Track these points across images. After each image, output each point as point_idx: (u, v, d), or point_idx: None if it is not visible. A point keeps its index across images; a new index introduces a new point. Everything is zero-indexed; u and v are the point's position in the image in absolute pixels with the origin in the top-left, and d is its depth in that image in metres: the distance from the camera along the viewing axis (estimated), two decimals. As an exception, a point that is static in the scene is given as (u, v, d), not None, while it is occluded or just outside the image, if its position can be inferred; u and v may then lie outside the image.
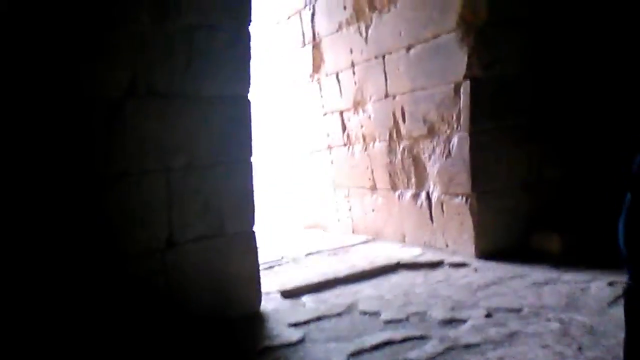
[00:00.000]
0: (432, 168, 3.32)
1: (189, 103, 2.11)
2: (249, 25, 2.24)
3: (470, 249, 3.11)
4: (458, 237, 3.21)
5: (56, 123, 1.88)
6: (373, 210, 4.03)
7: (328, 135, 4.40)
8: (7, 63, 1.72)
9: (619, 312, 1.65)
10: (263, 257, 2.69)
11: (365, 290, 2.69)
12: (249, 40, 2.23)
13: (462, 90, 3.05)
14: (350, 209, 4.28)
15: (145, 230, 2.05)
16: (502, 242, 3.10)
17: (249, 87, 2.22)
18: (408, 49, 3.49)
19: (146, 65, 1.99)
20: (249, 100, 2.23)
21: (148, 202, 2.05)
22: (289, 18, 4.75)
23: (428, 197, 3.43)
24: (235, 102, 2.20)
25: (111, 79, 1.92)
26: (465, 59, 3.02)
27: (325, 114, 4.43)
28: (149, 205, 2.06)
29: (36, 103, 1.77)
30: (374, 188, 3.98)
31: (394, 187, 3.76)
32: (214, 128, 2.15)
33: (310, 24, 4.46)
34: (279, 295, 2.62)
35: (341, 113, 4.28)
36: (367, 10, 3.88)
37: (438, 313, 2.25)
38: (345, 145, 4.26)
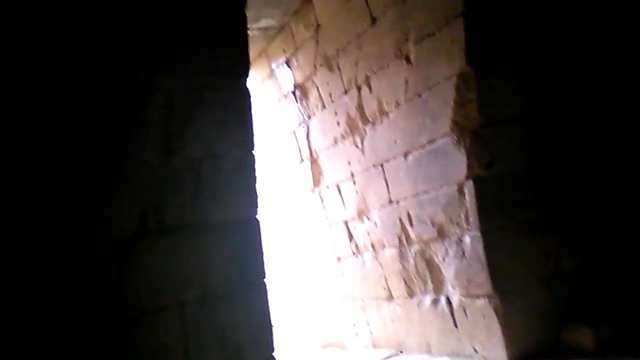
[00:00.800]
0: (448, 270, 3.21)
1: (198, 233, 2.07)
2: (253, 150, 2.25)
3: (502, 353, 2.95)
4: (486, 342, 3.05)
5: (70, 270, 1.83)
6: (392, 321, 3.85)
7: (335, 247, 4.30)
8: (23, 209, 1.72)
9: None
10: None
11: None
12: (254, 164, 2.24)
13: (466, 190, 3.02)
14: (367, 322, 4.10)
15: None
16: (532, 342, 2.95)
17: (257, 209, 2.20)
18: (405, 155, 3.51)
19: (156, 202, 1.97)
20: (258, 222, 2.20)
21: (163, 343, 1.94)
22: (284, 137, 4.82)
23: (448, 302, 3.30)
24: (244, 226, 2.17)
25: (122, 218, 1.88)
26: (465, 159, 3.02)
27: (330, 225, 4.36)
28: (164, 347, 1.94)
29: (51, 248, 1.75)
30: (390, 297, 3.83)
31: (410, 294, 3.62)
32: (225, 254, 2.10)
33: (306, 141, 4.51)
34: None
35: (346, 223, 4.21)
36: (360, 124, 3.93)
37: None
38: (354, 255, 4.14)
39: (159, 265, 1.95)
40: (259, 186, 2.27)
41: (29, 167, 1.82)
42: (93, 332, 1.81)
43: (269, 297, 2.18)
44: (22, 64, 1.85)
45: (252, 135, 2.22)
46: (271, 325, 2.15)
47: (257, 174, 2.21)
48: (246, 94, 2.21)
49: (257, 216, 2.19)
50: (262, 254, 2.18)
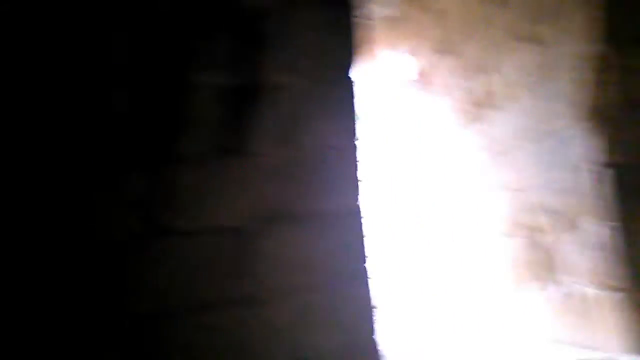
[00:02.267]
0: (582, 261, 3.16)
1: (311, 222, 2.16)
2: (357, 140, 2.30)
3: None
4: (621, 337, 2.94)
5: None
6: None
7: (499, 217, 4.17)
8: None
9: None
10: None
11: None
12: (357, 154, 2.29)
13: (602, 178, 2.99)
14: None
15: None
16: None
17: (359, 198, 2.24)
18: (536, 141, 3.47)
19: (271, 192, 2.10)
20: (360, 211, 2.24)
21: (285, 321, 2.06)
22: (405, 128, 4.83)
23: (582, 294, 3.20)
24: (349, 215, 2.22)
25: (239, 208, 2.02)
26: (602, 145, 2.99)
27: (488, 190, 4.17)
28: (285, 325, 2.07)
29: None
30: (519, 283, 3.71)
31: (541, 283, 3.52)
32: (332, 243, 2.17)
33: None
34: None
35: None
36: (487, 110, 3.84)
37: None
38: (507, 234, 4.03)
39: (280, 252, 2.08)
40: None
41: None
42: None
43: (371, 282, 2.22)
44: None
45: (354, 124, 2.24)
46: (373, 309, 2.19)
47: (360, 162, 2.24)
48: (350, 85, 2.24)
49: (360, 205, 2.22)
50: (364, 242, 2.21)
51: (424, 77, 4.47)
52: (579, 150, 3.08)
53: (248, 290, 1.98)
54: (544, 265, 3.50)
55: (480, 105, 3.96)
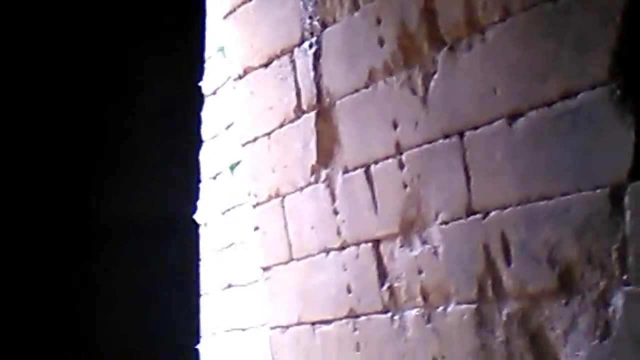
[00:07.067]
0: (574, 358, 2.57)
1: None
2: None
3: None
4: None
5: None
6: None
7: (350, 291, 3.30)
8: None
9: None
10: None
11: None
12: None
13: (626, 200, 2.36)
14: None
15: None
16: None
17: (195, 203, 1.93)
18: (512, 118, 2.66)
19: None
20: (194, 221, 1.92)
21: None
22: (268, 64, 3.65)
23: None
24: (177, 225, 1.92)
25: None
26: (632, 137, 2.28)
27: (343, 247, 3.32)
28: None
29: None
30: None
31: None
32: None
33: (311, 73, 3.40)
34: None
35: (376, 244, 3.17)
36: (425, 47, 2.89)
37: None
38: (384, 310, 3.18)
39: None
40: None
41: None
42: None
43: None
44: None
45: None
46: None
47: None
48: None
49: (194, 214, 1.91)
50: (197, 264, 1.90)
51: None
52: (592, 142, 2.62)
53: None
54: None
55: (413, 37, 3.14)
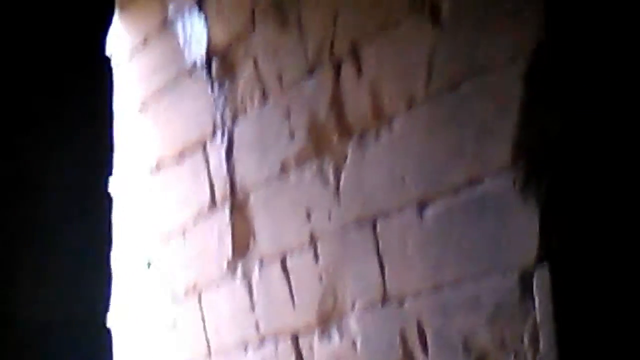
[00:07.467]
0: None
1: None
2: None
3: None
4: None
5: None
6: None
7: None
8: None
9: None
10: None
11: None
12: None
13: (535, 284, 2.38)
14: None
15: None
16: None
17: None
18: (421, 206, 2.69)
19: None
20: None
21: None
22: (181, 157, 3.64)
23: None
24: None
25: None
26: (537, 222, 2.31)
27: (262, 341, 3.21)
28: None
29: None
30: None
31: None
32: None
33: (224, 164, 3.38)
34: None
35: (295, 338, 3.07)
36: (335, 138, 2.94)
37: None
38: None
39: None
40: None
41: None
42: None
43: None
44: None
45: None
46: None
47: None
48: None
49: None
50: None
51: (222, 60, 3.76)
52: (500, 226, 2.70)
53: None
54: None
55: (324, 128, 3.34)
